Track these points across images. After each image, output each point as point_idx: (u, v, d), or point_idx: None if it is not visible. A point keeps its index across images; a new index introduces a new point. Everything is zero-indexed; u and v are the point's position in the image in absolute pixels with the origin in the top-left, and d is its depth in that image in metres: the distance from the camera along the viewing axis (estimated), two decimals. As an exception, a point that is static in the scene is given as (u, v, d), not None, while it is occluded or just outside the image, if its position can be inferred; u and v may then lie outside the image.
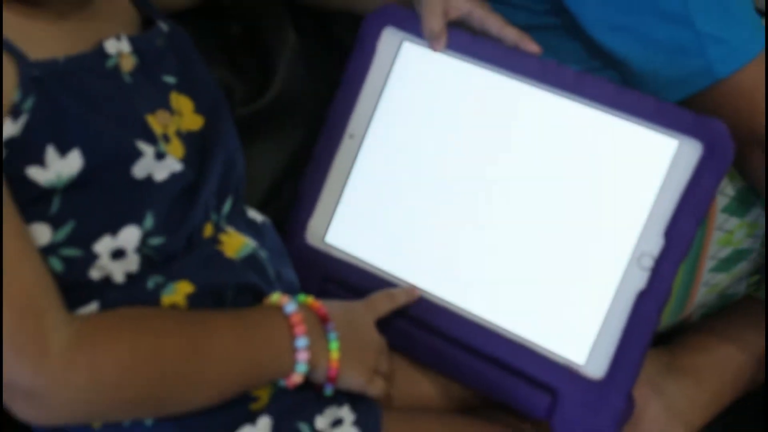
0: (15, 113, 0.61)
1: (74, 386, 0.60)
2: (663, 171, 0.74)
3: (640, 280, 0.75)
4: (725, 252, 0.95)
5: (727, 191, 0.92)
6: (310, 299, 0.73)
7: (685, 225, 0.74)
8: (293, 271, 0.79)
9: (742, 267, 0.97)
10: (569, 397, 0.76)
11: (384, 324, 0.78)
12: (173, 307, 0.67)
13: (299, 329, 0.68)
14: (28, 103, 0.61)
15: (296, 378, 0.69)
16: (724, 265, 0.96)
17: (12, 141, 0.61)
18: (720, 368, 0.97)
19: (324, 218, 0.86)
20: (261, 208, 0.81)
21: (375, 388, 0.74)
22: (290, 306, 0.70)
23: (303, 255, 0.85)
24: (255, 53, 0.88)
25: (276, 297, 0.71)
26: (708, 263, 0.94)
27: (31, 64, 0.62)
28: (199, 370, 0.65)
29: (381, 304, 0.79)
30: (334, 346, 0.70)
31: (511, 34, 0.79)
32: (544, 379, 0.77)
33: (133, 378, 0.62)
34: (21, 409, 0.60)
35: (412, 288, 0.81)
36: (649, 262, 0.75)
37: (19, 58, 0.62)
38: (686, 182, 0.74)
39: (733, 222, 0.93)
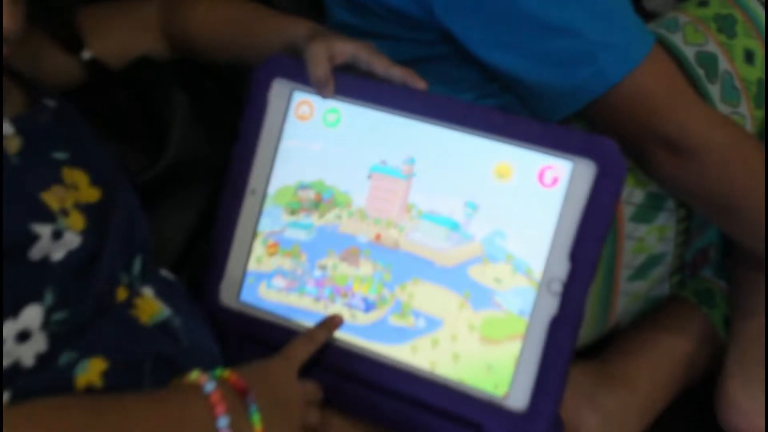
0: None
1: None
2: (561, 194, 0.74)
3: (551, 307, 0.75)
4: (639, 259, 0.96)
5: (633, 200, 0.93)
6: (227, 373, 0.72)
7: (589, 245, 0.74)
8: (210, 335, 0.78)
9: (659, 271, 0.98)
10: (494, 431, 0.76)
11: (304, 375, 0.77)
12: (89, 389, 0.66)
13: (220, 409, 0.68)
14: None
15: None
16: (641, 272, 0.97)
17: None
18: (651, 373, 0.99)
19: (235, 277, 0.85)
20: (174, 271, 0.80)
21: None
22: (209, 385, 0.69)
23: (219, 316, 0.84)
24: (146, 122, 0.88)
25: (195, 375, 0.70)
26: (624, 272, 0.95)
27: None
28: None
29: (300, 350, 0.78)
30: (256, 419, 0.70)
31: (397, 73, 0.80)
32: (469, 416, 0.77)
33: None
34: None
35: (331, 317, 0.80)
36: (558, 287, 0.75)
37: None
38: (585, 202, 0.74)
39: (643, 229, 0.94)
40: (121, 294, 0.72)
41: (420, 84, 0.79)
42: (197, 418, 0.68)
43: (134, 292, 0.74)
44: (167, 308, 0.74)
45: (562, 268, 0.75)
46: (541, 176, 0.76)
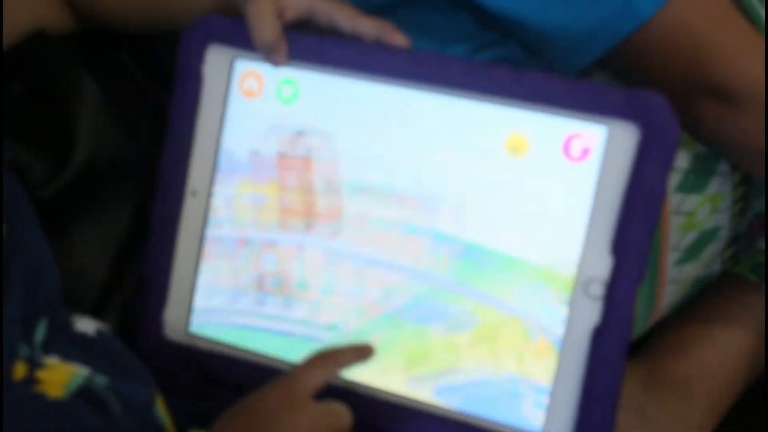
0: None
1: None
2: (595, 170, 0.64)
3: (592, 314, 0.66)
4: (690, 238, 0.87)
5: (679, 164, 0.84)
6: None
7: (635, 234, 0.64)
8: (150, 387, 0.67)
9: (713, 248, 0.89)
10: None
11: None
12: None
13: None
14: None
15: None
16: (691, 253, 0.89)
17: None
18: (708, 374, 0.91)
19: (182, 304, 0.75)
20: (97, 312, 0.71)
21: None
22: None
23: (165, 355, 0.75)
24: (46, 116, 0.76)
25: None
26: (672, 256, 0.87)
27: None
28: None
29: (315, 373, 0.68)
30: None
31: (368, 26, 0.70)
32: None
33: None
34: None
35: (365, 346, 0.70)
36: (598, 290, 0.65)
37: None
38: (626, 179, 0.64)
39: (693, 200, 0.86)
40: (19, 371, 0.63)
41: (399, 39, 0.70)
42: None
43: (35, 364, 0.64)
44: (82, 369, 0.65)
45: (603, 265, 0.65)
46: (566, 147, 0.66)
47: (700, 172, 0.86)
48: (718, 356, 0.92)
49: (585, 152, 0.65)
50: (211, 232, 0.75)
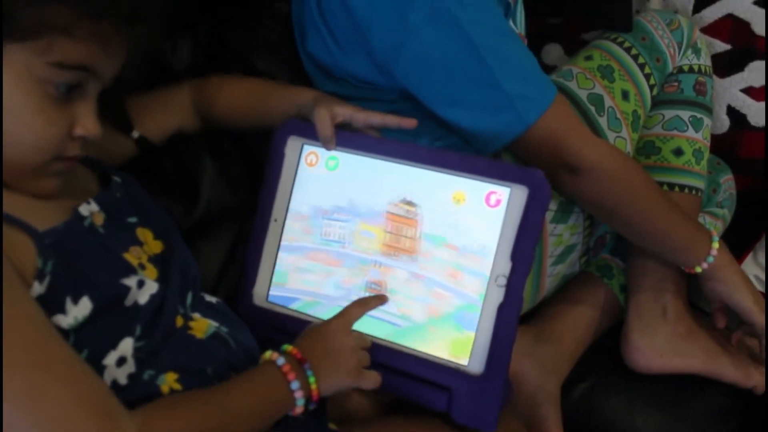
0: (40, 277, 0.63)
1: None
2: (503, 212, 0.80)
3: (499, 296, 0.80)
4: (559, 250, 1.01)
5: (551, 207, 0.97)
6: (290, 347, 0.76)
7: (524, 248, 0.79)
8: (249, 333, 0.81)
9: (573, 256, 1.03)
10: (460, 391, 0.80)
11: None
12: (173, 391, 0.70)
13: (291, 375, 0.73)
14: (49, 266, 0.64)
15: (298, 409, 0.73)
16: (560, 258, 1.02)
17: (40, 298, 0.63)
18: (572, 328, 1.04)
19: (264, 284, 0.89)
20: (213, 292, 0.85)
21: (365, 382, 0.78)
22: (280, 360, 0.73)
23: (252, 314, 0.88)
24: (183, 182, 0.91)
25: (268, 354, 0.75)
26: (548, 260, 1.00)
27: (42, 234, 0.64)
28: (232, 427, 0.69)
29: (355, 312, 0.81)
30: (312, 379, 0.74)
31: (392, 119, 0.85)
32: (441, 381, 0.81)
33: None
34: None
35: (381, 295, 0.84)
36: (503, 281, 0.80)
37: (31, 231, 0.64)
38: (520, 216, 0.79)
39: (560, 228, 0.99)
40: (179, 321, 0.75)
41: (410, 122, 0.85)
42: (277, 384, 0.73)
43: (188, 318, 0.76)
44: (214, 323, 0.77)
45: (506, 267, 0.80)
46: (487, 199, 0.81)
47: (563, 211, 0.99)
48: (578, 319, 1.05)
49: (498, 202, 0.80)
50: (284, 243, 0.88)
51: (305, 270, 0.88)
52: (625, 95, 1.03)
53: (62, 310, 0.64)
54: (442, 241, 0.83)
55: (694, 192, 1.05)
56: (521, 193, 0.80)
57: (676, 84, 1.09)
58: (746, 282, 0.97)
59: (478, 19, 0.84)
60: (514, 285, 0.80)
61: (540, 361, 1.01)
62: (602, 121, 1.00)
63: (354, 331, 0.80)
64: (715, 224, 1.14)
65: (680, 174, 1.05)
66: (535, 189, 0.79)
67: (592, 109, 1.01)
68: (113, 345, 0.68)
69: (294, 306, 0.89)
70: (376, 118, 0.85)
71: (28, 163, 0.66)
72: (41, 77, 0.64)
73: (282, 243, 0.90)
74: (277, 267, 0.90)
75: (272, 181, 0.90)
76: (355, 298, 0.85)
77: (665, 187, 1.05)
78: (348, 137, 0.86)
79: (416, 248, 0.84)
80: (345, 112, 0.85)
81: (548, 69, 1.10)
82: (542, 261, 1.00)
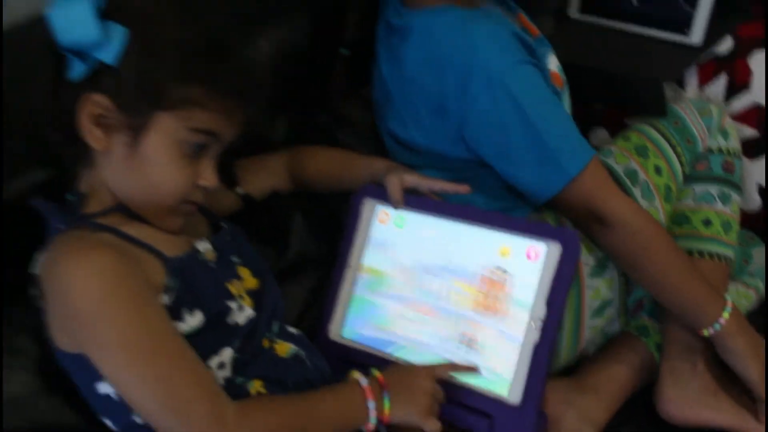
0: (167, 291, 0.76)
1: None
2: (541, 265, 0.90)
3: (535, 336, 0.88)
4: (596, 303, 1.07)
5: (589, 262, 1.05)
6: (378, 373, 0.84)
7: (558, 295, 0.89)
8: (323, 359, 0.91)
9: (610, 311, 1.08)
10: (501, 419, 0.89)
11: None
12: (260, 394, 0.81)
13: (370, 395, 0.81)
14: (175, 283, 0.77)
15: (370, 426, 0.82)
16: (598, 312, 1.07)
17: (165, 308, 0.76)
18: (610, 382, 1.08)
19: (339, 321, 1.00)
20: (295, 326, 0.95)
21: (429, 426, 0.85)
22: (363, 380, 0.83)
23: (328, 346, 0.98)
24: (277, 233, 1.04)
25: (355, 374, 0.84)
26: (587, 312, 1.06)
27: (170, 260, 0.78)
28: (313, 428, 0.79)
29: (442, 371, 0.89)
30: (387, 405, 0.83)
31: (450, 186, 0.96)
32: (485, 409, 0.90)
33: None
34: None
35: (471, 366, 0.91)
36: (539, 324, 0.88)
37: (162, 256, 0.77)
38: (555, 269, 0.89)
39: (598, 281, 1.06)
40: (266, 343, 0.86)
41: (463, 188, 0.96)
42: (356, 400, 0.82)
43: (273, 341, 0.87)
44: (294, 347, 0.88)
45: (542, 311, 0.88)
46: (528, 254, 0.91)
47: (600, 266, 1.05)
48: (616, 372, 1.08)
49: (537, 256, 0.89)
50: (358, 288, 0.97)
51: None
52: (658, 170, 1.12)
53: (181, 319, 0.77)
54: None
55: (722, 260, 1.12)
56: (556, 248, 0.90)
57: (705, 162, 1.18)
58: (755, 354, 1.01)
59: (526, 88, 0.96)
60: (548, 327, 0.89)
61: (579, 409, 1.05)
62: (636, 192, 1.09)
63: (437, 384, 0.88)
64: (746, 293, 1.19)
65: (709, 242, 1.12)
66: (567, 245, 0.89)
67: (627, 181, 1.09)
68: (216, 351, 0.80)
69: (366, 342, 0.98)
70: (437, 185, 0.97)
71: (164, 203, 0.81)
72: (180, 138, 0.78)
73: (356, 287, 1.00)
74: (351, 307, 0.99)
75: (349, 235, 1.01)
76: (449, 347, 0.93)
77: (695, 255, 1.12)
78: (414, 200, 0.98)
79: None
80: (412, 179, 0.97)
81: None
82: (581, 313, 1.06)
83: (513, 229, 0.93)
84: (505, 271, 0.93)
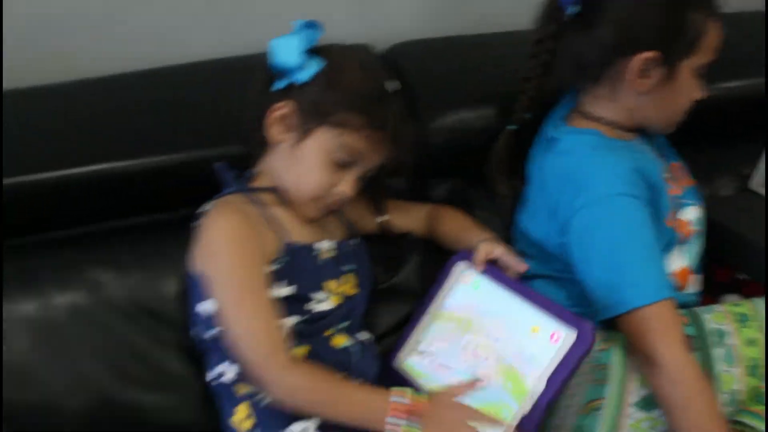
0: (274, 263, 0.96)
1: (286, 385, 0.93)
2: (559, 346, 0.98)
3: (526, 408, 0.97)
4: None
5: (640, 392, 1.05)
6: (422, 398, 0.94)
7: (557, 377, 0.96)
8: (373, 369, 1.04)
9: None
10: None
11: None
12: (303, 357, 0.97)
13: (393, 413, 0.92)
14: (283, 260, 0.96)
15: None
16: None
17: (269, 274, 0.95)
18: None
19: (407, 353, 1.13)
20: (378, 341, 1.12)
21: None
22: (396, 398, 0.93)
23: (391, 371, 1.12)
24: (391, 262, 1.21)
25: (396, 390, 0.94)
26: None
27: (288, 244, 0.97)
28: (338, 407, 0.93)
29: (460, 390, 0.99)
30: (411, 430, 0.93)
31: (522, 266, 1.08)
32: None
33: (307, 395, 0.94)
34: (263, 388, 0.93)
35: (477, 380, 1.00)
36: (534, 398, 0.97)
37: (285, 235, 0.96)
38: (565, 353, 0.96)
39: (641, 414, 1.05)
40: (327, 332, 1.00)
41: (523, 266, 1.07)
42: (380, 410, 0.93)
43: (334, 334, 1.01)
44: (349, 342, 1.00)
45: (540, 386, 0.97)
46: (552, 336, 0.99)
47: (650, 402, 1.05)
48: None
49: (558, 339, 0.97)
50: (431, 331, 1.11)
51: (436, 354, 1.12)
52: (751, 342, 1.10)
53: (274, 285, 0.97)
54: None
55: None
56: (572, 334, 0.98)
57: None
58: None
59: (619, 218, 1.04)
60: (539, 403, 0.96)
61: None
62: (716, 352, 1.08)
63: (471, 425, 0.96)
64: None
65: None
66: (581, 334, 0.97)
67: (710, 339, 1.09)
68: (285, 315, 0.98)
69: (419, 375, 1.11)
70: (514, 262, 1.10)
71: (303, 195, 1.02)
72: (329, 148, 0.98)
73: (429, 330, 1.13)
74: (420, 344, 1.12)
75: (437, 286, 1.15)
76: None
77: (739, 426, 1.07)
78: (492, 270, 1.11)
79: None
80: (499, 251, 1.10)
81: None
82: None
83: (548, 311, 1.02)
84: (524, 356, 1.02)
